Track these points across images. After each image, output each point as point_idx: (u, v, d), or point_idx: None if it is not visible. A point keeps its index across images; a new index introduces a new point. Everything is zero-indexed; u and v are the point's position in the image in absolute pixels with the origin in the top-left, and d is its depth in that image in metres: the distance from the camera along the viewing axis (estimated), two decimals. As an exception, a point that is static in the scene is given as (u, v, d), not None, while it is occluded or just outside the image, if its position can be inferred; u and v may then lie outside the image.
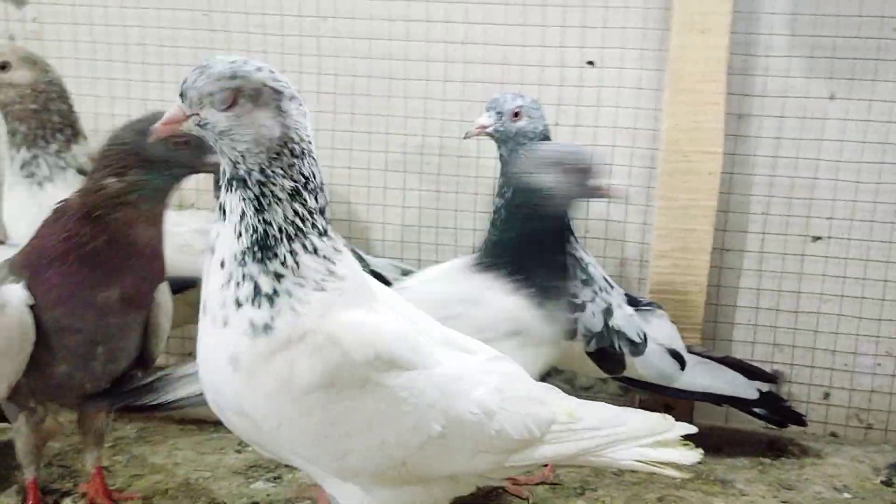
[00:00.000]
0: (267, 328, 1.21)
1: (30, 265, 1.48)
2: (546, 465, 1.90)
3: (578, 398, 1.48)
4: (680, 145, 2.12)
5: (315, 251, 1.24)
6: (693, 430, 1.46)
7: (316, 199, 1.25)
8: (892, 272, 2.17)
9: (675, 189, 2.14)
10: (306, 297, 1.23)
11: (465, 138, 1.95)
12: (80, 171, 1.96)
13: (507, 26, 2.25)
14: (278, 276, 1.22)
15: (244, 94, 1.17)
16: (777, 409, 2.03)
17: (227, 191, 1.23)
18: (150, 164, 1.45)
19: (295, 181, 1.22)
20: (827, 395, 2.23)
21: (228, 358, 1.23)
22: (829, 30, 2.12)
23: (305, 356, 1.22)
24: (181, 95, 1.20)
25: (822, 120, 2.16)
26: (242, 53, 2.29)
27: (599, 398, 2.22)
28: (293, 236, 1.23)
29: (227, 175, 1.23)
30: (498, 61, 2.27)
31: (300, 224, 1.23)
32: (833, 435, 2.24)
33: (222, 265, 1.24)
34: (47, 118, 1.95)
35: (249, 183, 1.21)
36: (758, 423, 2.10)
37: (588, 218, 2.30)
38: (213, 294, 1.25)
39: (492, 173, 2.20)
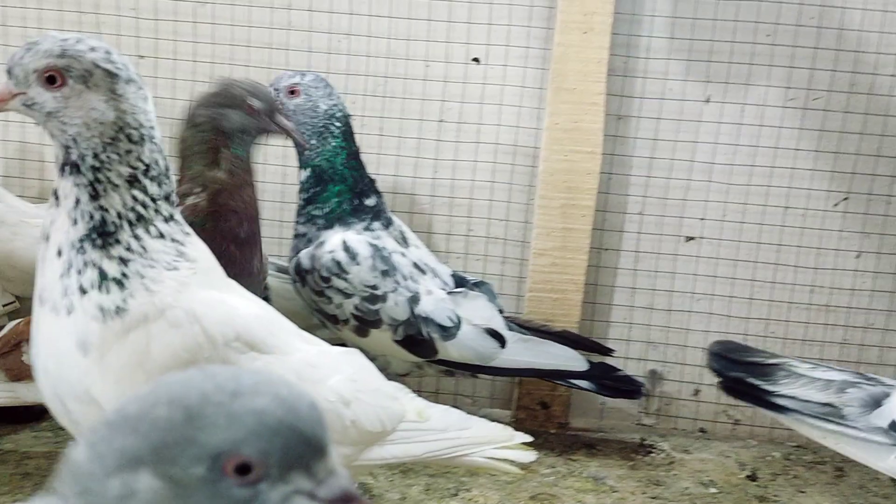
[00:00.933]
0: (120, 310, 1.18)
1: None
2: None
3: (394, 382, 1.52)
4: (561, 144, 2.14)
5: (161, 235, 1.22)
6: (529, 438, 1.55)
7: (160, 185, 1.22)
8: (759, 272, 2.24)
9: (555, 188, 2.15)
10: (159, 276, 1.20)
11: None
12: None
13: (393, 19, 2.21)
14: (124, 261, 1.19)
15: (73, 74, 1.13)
16: (611, 379, 2.07)
17: (61, 176, 1.18)
18: (230, 137, 1.63)
19: (133, 168, 1.18)
20: (697, 392, 2.30)
21: (77, 343, 1.18)
22: (705, 34, 2.17)
23: (163, 332, 1.18)
24: (8, 72, 1.14)
25: (697, 122, 2.21)
26: (113, 36, 2.24)
27: (421, 383, 2.26)
28: (135, 222, 1.20)
29: (60, 160, 1.18)
30: (382, 55, 2.23)
31: (142, 211, 1.20)
32: (702, 431, 2.31)
33: (59, 254, 1.19)
34: None
35: (82, 168, 1.17)
36: (631, 422, 2.15)
37: (470, 216, 2.29)
38: (52, 283, 1.20)
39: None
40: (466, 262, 2.31)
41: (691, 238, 2.26)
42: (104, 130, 1.15)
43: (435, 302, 1.97)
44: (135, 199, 1.19)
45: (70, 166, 1.18)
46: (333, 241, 1.93)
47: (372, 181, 2.02)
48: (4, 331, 1.84)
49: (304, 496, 0.65)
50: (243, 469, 0.62)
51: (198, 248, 1.28)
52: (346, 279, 1.91)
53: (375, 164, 2.24)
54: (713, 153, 2.21)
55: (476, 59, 2.24)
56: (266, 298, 1.89)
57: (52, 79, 1.14)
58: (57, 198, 1.19)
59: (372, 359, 2.01)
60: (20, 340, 1.78)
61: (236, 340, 1.24)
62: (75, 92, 1.14)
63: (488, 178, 2.27)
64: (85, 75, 1.14)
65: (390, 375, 2.04)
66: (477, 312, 2.01)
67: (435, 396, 2.37)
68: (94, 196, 1.17)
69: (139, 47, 2.25)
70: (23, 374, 1.75)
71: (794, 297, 2.23)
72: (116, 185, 1.18)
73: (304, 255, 1.94)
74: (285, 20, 2.23)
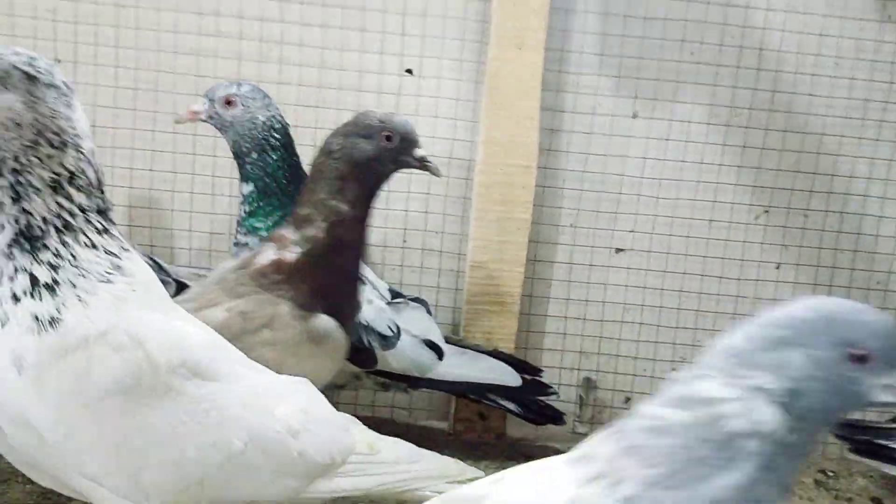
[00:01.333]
0: (54, 321, 1.14)
1: (312, 299, 1.58)
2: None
3: (331, 396, 1.48)
4: (496, 158, 2.15)
5: (94, 246, 1.19)
6: (480, 474, 1.50)
7: (88, 196, 1.20)
8: (687, 283, 2.31)
9: (491, 201, 2.17)
10: (93, 287, 1.17)
11: (175, 122, 1.97)
12: None
13: (326, 28, 2.18)
14: (54, 267, 1.16)
15: None
16: (536, 403, 2.12)
17: None
18: (361, 168, 1.58)
19: (56, 174, 1.17)
20: (628, 400, 2.36)
21: (11, 359, 1.13)
22: (634, 50, 2.23)
23: (104, 356, 1.15)
24: None
25: (627, 137, 2.27)
26: (30, 40, 2.12)
27: (358, 396, 2.27)
28: (62, 229, 1.18)
29: None
30: (315, 64, 2.19)
31: (69, 219, 1.18)
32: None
33: None
34: None
35: (3, 171, 1.16)
36: (566, 430, 2.19)
37: (406, 228, 2.28)
38: None
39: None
40: (402, 274, 2.30)
41: (621, 249, 2.31)
42: (23, 133, 1.15)
43: (376, 311, 1.95)
44: (60, 206, 1.17)
45: None
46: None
47: None
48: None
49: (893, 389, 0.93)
50: (862, 358, 0.91)
51: (136, 264, 1.24)
52: None
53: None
54: (642, 167, 2.27)
55: (409, 71, 2.23)
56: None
57: None
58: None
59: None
60: None
61: (182, 367, 1.21)
62: None
63: (423, 190, 2.26)
64: (3, 76, 1.13)
65: (328, 386, 2.04)
66: (415, 323, 2.01)
67: (371, 409, 2.36)
68: (17, 199, 1.16)
69: (57, 52, 2.15)
70: None
71: (719, 307, 2.31)
72: (39, 189, 1.16)
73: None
74: (213, 27, 2.17)
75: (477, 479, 1.49)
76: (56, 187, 1.17)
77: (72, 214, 1.18)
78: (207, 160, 2.23)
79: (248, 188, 1.90)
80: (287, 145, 1.92)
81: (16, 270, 1.16)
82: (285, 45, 2.18)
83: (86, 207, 1.19)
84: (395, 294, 2.06)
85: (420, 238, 2.30)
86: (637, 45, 2.22)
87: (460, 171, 2.26)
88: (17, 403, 1.14)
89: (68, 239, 1.17)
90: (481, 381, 2.07)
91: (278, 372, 1.41)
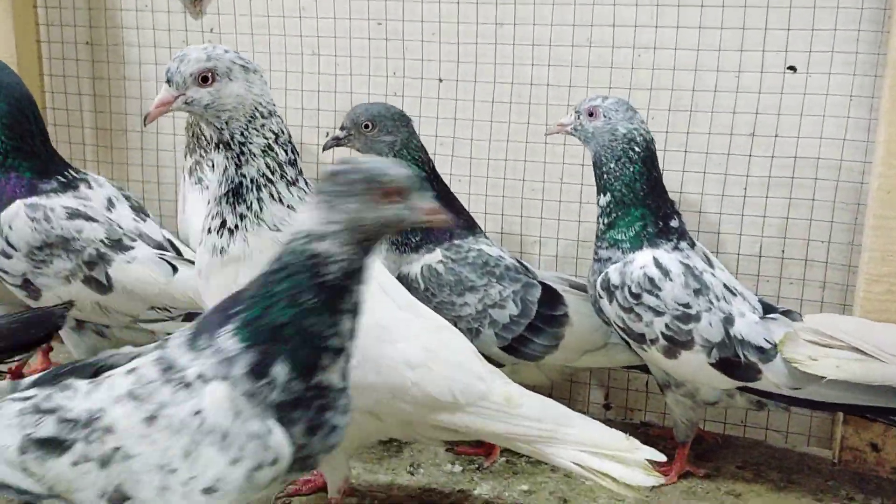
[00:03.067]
0: (223, 251, 1.53)
1: None
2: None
3: (699, 413, 1.46)
4: (899, 158, 1.92)
5: (280, 199, 1.53)
6: (661, 458, 1.53)
7: (286, 152, 1.54)
8: None
9: (892, 207, 1.93)
10: (260, 233, 1.51)
11: (546, 134, 2.07)
12: None
13: (703, 29, 2.09)
14: (241, 217, 1.52)
15: (219, 72, 1.47)
16: None
17: (216, 151, 1.52)
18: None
19: (266, 138, 1.51)
20: None
21: (198, 268, 1.59)
22: None
23: (249, 269, 1.43)
24: (168, 81, 1.48)
25: None
26: (416, 62, 2.30)
27: (727, 414, 2.20)
28: (262, 186, 1.52)
29: (214, 140, 1.52)
30: (689, 67, 2.12)
31: (270, 175, 1.52)
32: None
33: (209, 202, 1.56)
34: None
35: (233, 144, 1.51)
36: None
37: (786, 237, 2.13)
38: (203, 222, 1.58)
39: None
40: (780, 286, 2.14)
41: None
42: (245, 111, 1.49)
43: (748, 325, 1.85)
44: (267, 166, 1.52)
45: (223, 144, 1.51)
46: (644, 257, 1.87)
47: (672, 203, 1.94)
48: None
49: None
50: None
51: None
52: (657, 296, 1.83)
53: (678, 182, 2.15)
54: None
55: (792, 68, 2.07)
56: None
57: (205, 78, 1.47)
58: (212, 167, 1.56)
59: (678, 384, 1.94)
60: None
61: None
62: (223, 85, 1.47)
63: (808, 196, 2.09)
64: (227, 71, 1.47)
65: (697, 403, 1.95)
66: None
67: (742, 429, 2.23)
68: (239, 165, 1.51)
69: (441, 71, 2.29)
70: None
71: None
72: (255, 154, 1.51)
73: (614, 270, 1.88)
74: (585, 37, 2.18)
75: (650, 461, 1.50)
76: (267, 150, 1.51)
77: (272, 171, 1.52)
78: (576, 169, 2.26)
79: (606, 199, 1.89)
80: (647, 159, 1.88)
81: (217, 214, 1.54)
82: (659, 51, 2.13)
83: (283, 162, 1.53)
84: (767, 307, 1.92)
85: (802, 248, 2.12)
86: None
87: (852, 175, 2.06)
88: (204, 296, 1.58)
89: (263, 195, 1.52)
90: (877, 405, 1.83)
91: None
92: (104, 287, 1.93)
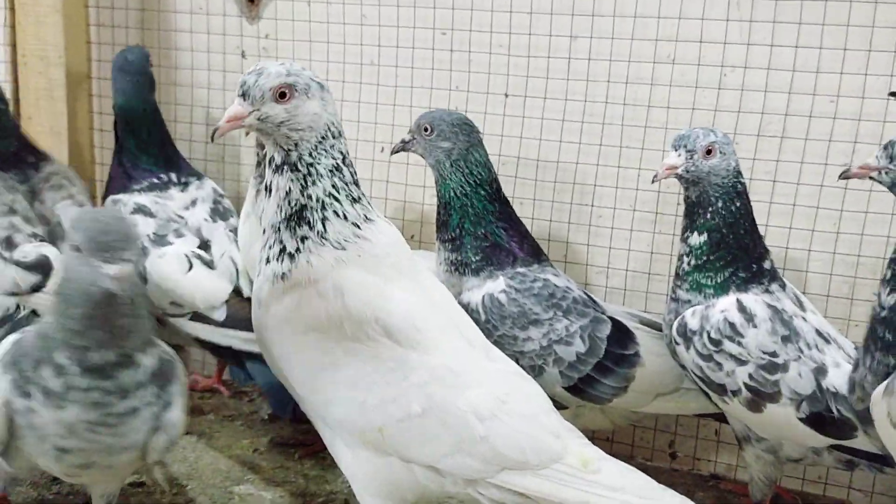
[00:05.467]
0: (284, 277, 1.43)
1: None
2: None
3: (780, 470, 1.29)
4: None
5: (345, 217, 1.45)
6: None
7: (351, 173, 1.47)
8: None
9: None
10: (322, 253, 1.43)
11: (652, 182, 1.75)
12: None
13: (798, 48, 1.93)
14: (303, 239, 1.44)
15: (298, 88, 1.40)
16: None
17: (277, 174, 1.44)
18: None
19: (335, 158, 1.44)
20: None
21: (256, 299, 1.49)
22: None
23: (310, 298, 1.41)
24: (243, 95, 1.40)
25: None
26: (482, 75, 2.16)
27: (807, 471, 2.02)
28: (327, 206, 1.44)
29: (277, 161, 1.44)
30: (783, 89, 1.95)
31: (336, 194, 1.44)
32: None
33: (264, 232, 1.49)
34: None
35: (300, 165, 1.43)
36: None
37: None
38: (259, 252, 1.51)
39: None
40: None
41: None
42: (317, 130, 1.43)
43: (843, 376, 1.66)
44: (334, 185, 1.44)
45: (289, 165, 1.43)
46: (726, 300, 1.70)
47: (763, 241, 1.77)
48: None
49: None
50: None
51: (375, 234, 1.47)
52: (740, 343, 1.67)
53: (765, 214, 1.97)
54: None
55: (894, 94, 1.89)
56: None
57: (283, 94, 1.39)
58: (269, 190, 1.46)
59: (759, 439, 1.76)
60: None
61: (375, 323, 1.41)
62: (301, 102, 1.40)
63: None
64: (305, 88, 1.41)
65: (779, 460, 1.77)
66: None
67: (822, 486, 2.03)
68: (305, 186, 1.43)
69: (509, 86, 2.16)
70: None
71: None
72: (322, 175, 1.44)
73: (692, 314, 1.71)
74: (669, 53, 2.03)
75: None
76: (334, 170, 1.44)
77: (338, 190, 1.44)
78: (650, 196, 2.09)
79: (701, 239, 1.72)
80: (746, 191, 1.73)
81: (276, 241, 1.45)
82: (749, 70, 1.97)
83: (348, 182, 1.46)
84: None
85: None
86: None
87: (962, 215, 1.86)
88: (258, 327, 1.51)
89: (328, 213, 1.44)
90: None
91: None
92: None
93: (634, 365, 1.85)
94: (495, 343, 1.73)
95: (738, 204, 1.71)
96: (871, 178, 1.55)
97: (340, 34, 2.28)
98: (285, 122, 1.41)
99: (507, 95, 2.19)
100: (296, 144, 1.42)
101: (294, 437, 2.16)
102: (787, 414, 1.67)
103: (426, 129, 1.89)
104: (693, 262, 1.73)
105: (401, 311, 1.44)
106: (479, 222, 1.87)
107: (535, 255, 1.93)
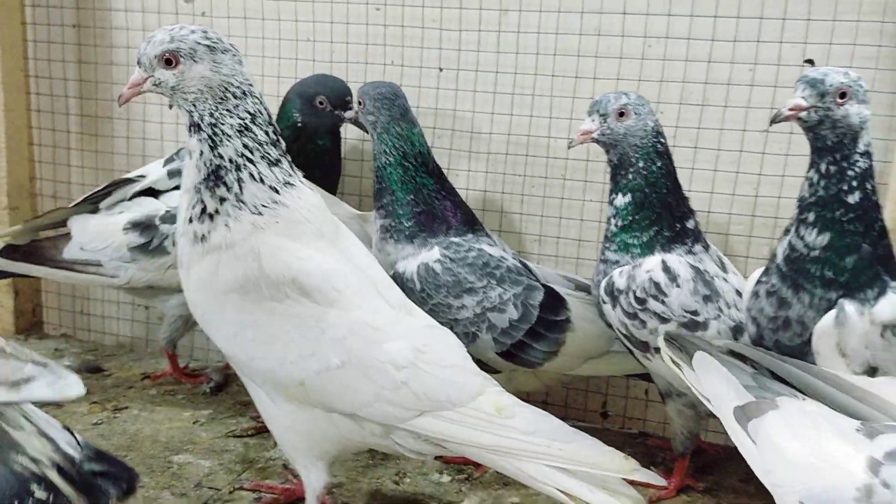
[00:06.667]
0: (203, 238, 1.48)
1: None
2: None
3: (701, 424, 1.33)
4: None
5: (262, 180, 1.49)
6: (661, 482, 1.45)
7: (266, 133, 1.50)
8: None
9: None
10: (240, 217, 1.47)
11: (569, 148, 1.82)
12: None
13: (717, 18, 1.99)
14: (222, 200, 1.48)
15: (182, 54, 1.44)
16: None
17: (190, 136, 1.49)
18: None
19: (241, 118, 1.48)
20: None
21: (180, 258, 1.54)
22: None
23: (228, 261, 1.46)
24: (139, 63, 1.47)
25: None
26: (416, 50, 2.19)
27: None
28: (242, 166, 1.48)
29: (187, 123, 1.49)
30: (703, 58, 2.01)
31: (249, 155, 1.48)
32: None
33: (187, 192, 1.51)
34: None
35: (203, 126, 1.47)
36: None
37: None
38: (180, 213, 1.54)
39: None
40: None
41: None
42: (214, 92, 1.46)
43: None
44: (245, 145, 1.48)
45: (194, 126, 1.48)
46: (652, 261, 1.76)
47: (688, 202, 1.82)
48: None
49: None
50: None
51: (294, 199, 1.50)
52: (664, 302, 1.72)
53: (688, 179, 2.03)
54: None
55: (810, 61, 1.96)
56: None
57: (169, 61, 1.44)
58: (190, 154, 1.50)
59: (680, 394, 1.82)
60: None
61: (291, 283, 1.46)
62: (187, 66, 1.44)
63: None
64: (191, 52, 1.44)
65: (699, 414, 1.83)
66: None
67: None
68: (214, 146, 1.47)
69: (441, 60, 2.20)
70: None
71: None
72: (230, 135, 1.47)
73: (619, 274, 1.76)
74: (594, 25, 2.08)
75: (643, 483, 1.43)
76: (243, 130, 1.47)
77: (251, 151, 1.48)
78: (580, 164, 2.15)
79: (626, 199, 1.77)
80: (668, 153, 1.78)
81: (197, 202, 1.49)
82: (671, 40, 2.03)
83: (263, 141, 1.49)
84: None
85: None
86: None
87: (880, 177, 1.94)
88: (184, 289, 1.55)
89: (244, 175, 1.48)
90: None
91: None
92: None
93: (565, 330, 1.90)
94: (430, 311, 1.76)
95: (658, 164, 1.76)
96: (798, 118, 1.53)
97: (275, 11, 2.30)
98: (177, 87, 1.46)
99: (441, 70, 2.22)
100: (194, 106, 1.47)
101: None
102: None
103: (359, 102, 1.96)
104: (619, 223, 1.78)
105: (318, 272, 1.48)
106: (408, 190, 1.91)
107: (470, 224, 1.96)
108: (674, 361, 1.52)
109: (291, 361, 1.47)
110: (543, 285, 1.93)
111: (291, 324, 1.46)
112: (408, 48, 2.22)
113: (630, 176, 1.76)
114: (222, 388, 2.29)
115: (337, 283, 1.49)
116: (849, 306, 1.48)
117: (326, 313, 1.47)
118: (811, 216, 1.52)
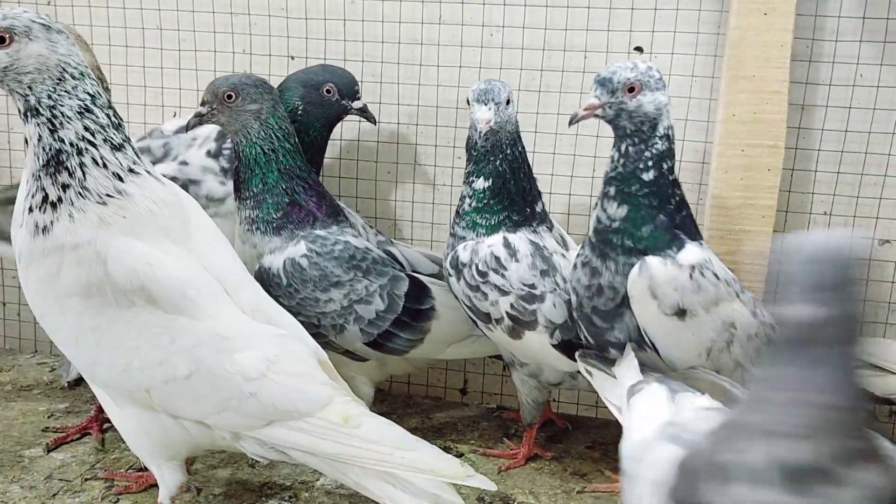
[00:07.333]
0: (46, 230, 1.41)
1: None
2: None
3: (545, 394, 1.43)
4: (737, 138, 1.94)
5: (105, 165, 1.44)
6: (493, 487, 1.50)
7: (108, 115, 1.45)
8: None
9: (730, 186, 1.96)
10: (84, 207, 1.41)
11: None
12: None
13: (550, 8, 2.08)
14: (64, 187, 1.42)
15: (16, 32, 1.38)
16: None
17: (25, 122, 1.43)
18: None
19: (81, 100, 1.42)
20: None
21: (18, 252, 1.46)
22: (904, 12, 1.93)
23: (71, 264, 1.40)
24: None
25: (893, 111, 1.97)
26: (264, 38, 2.21)
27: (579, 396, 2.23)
28: (84, 150, 1.42)
29: (21, 109, 1.42)
30: (538, 46, 2.10)
31: (91, 138, 1.43)
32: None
33: (27, 181, 1.45)
34: None
35: (41, 109, 1.41)
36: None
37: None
38: (18, 203, 1.46)
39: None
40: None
41: (887, 241, 2.01)
42: (51, 73, 1.40)
43: None
44: (86, 128, 1.42)
45: (31, 111, 1.41)
46: (495, 237, 1.83)
47: (536, 184, 1.90)
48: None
49: None
50: None
51: (140, 188, 1.46)
52: (503, 275, 1.80)
53: (531, 162, 2.12)
54: (919, 143, 1.96)
55: (639, 49, 2.07)
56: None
57: (2, 39, 1.38)
58: (27, 142, 1.44)
59: (522, 364, 1.92)
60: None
61: (140, 291, 1.42)
62: (22, 45, 1.38)
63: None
64: (26, 31, 1.38)
65: (541, 384, 1.94)
66: None
67: (594, 410, 2.24)
68: (54, 129, 1.41)
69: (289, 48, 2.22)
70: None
71: None
72: (70, 118, 1.41)
73: (463, 248, 1.83)
74: (436, 14, 2.14)
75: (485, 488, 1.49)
76: (83, 112, 1.42)
77: (93, 133, 1.42)
78: (429, 150, 2.21)
79: (486, 184, 1.81)
80: (520, 138, 1.84)
81: (37, 189, 1.42)
82: (507, 29, 2.11)
83: (105, 124, 1.44)
84: None
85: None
86: (907, 6, 1.92)
87: (694, 155, 2.08)
88: (22, 283, 1.47)
89: (86, 160, 1.42)
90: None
91: None
92: None
93: (430, 318, 1.95)
94: (297, 305, 1.77)
95: (519, 148, 1.82)
96: (595, 115, 1.64)
97: (121, 1, 2.27)
98: (10, 67, 1.38)
99: (292, 58, 2.24)
100: (30, 88, 1.40)
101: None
102: (543, 340, 1.81)
103: (229, 97, 1.83)
104: (474, 203, 1.83)
105: (168, 280, 1.44)
106: (282, 177, 1.87)
107: (334, 216, 1.94)
108: (587, 370, 1.71)
109: (137, 369, 1.44)
110: (408, 275, 1.96)
111: (138, 331, 1.42)
112: (255, 36, 2.23)
113: (497, 162, 1.81)
114: (81, 380, 2.28)
115: (187, 291, 1.46)
116: (650, 259, 1.63)
117: (175, 321, 1.44)
118: (612, 190, 1.65)
